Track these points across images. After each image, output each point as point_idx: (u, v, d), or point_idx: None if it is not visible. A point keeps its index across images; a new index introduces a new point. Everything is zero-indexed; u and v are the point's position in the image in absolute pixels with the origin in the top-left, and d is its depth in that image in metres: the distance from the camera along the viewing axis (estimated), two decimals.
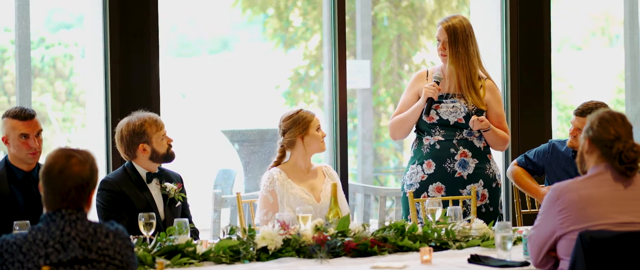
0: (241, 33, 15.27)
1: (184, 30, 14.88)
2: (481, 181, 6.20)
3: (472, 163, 6.18)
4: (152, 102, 6.81)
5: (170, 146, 5.56)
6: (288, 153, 5.83)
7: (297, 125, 5.76)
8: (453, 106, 6.15)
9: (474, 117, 6.07)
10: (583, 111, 6.07)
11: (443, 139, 6.17)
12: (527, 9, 7.80)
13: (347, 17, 7.48)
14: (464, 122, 6.14)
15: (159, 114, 6.57)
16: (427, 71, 6.31)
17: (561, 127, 14.24)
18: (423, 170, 6.19)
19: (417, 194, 6.17)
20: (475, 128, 6.09)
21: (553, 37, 7.97)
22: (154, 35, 6.88)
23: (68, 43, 13.27)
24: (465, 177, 6.17)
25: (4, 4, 8.51)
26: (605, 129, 4.16)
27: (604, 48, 15.34)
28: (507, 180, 7.11)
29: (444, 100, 6.16)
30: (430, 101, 6.13)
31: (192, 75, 14.66)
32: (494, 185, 6.25)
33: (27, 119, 5.42)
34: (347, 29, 7.48)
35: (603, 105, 6.03)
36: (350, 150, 7.56)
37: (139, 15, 6.84)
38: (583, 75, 15.18)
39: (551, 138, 7.51)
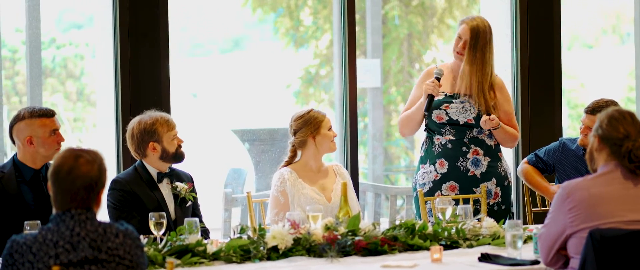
0: (252, 32, 15.28)
1: (195, 30, 14.90)
2: (494, 179, 6.19)
3: (485, 161, 6.17)
4: (162, 102, 6.82)
5: (180, 146, 5.56)
6: (299, 153, 5.83)
7: (309, 125, 5.76)
8: (463, 106, 6.14)
9: (484, 117, 6.06)
10: (593, 109, 6.05)
11: (454, 138, 6.16)
12: (538, 7, 7.79)
13: (357, 16, 7.48)
14: (473, 122, 6.13)
15: (169, 113, 6.58)
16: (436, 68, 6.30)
17: (572, 126, 14.21)
18: (436, 170, 6.18)
19: (430, 193, 6.15)
20: (487, 127, 6.08)
21: (563, 35, 7.95)
22: (164, 34, 6.89)
23: (79, 43, 13.32)
24: (479, 176, 6.16)
25: (14, 5, 8.53)
26: (614, 127, 4.15)
27: (614, 46, 15.31)
28: (517, 178, 7.09)
29: (453, 101, 6.15)
30: (430, 98, 6.10)
31: (203, 74, 14.68)
32: (505, 183, 6.24)
33: (53, 115, 5.45)
34: (357, 28, 7.47)
35: (613, 103, 6.02)
36: (360, 149, 7.57)
37: (149, 15, 6.85)
38: (594, 74, 15.16)
39: (562, 136, 7.49)
